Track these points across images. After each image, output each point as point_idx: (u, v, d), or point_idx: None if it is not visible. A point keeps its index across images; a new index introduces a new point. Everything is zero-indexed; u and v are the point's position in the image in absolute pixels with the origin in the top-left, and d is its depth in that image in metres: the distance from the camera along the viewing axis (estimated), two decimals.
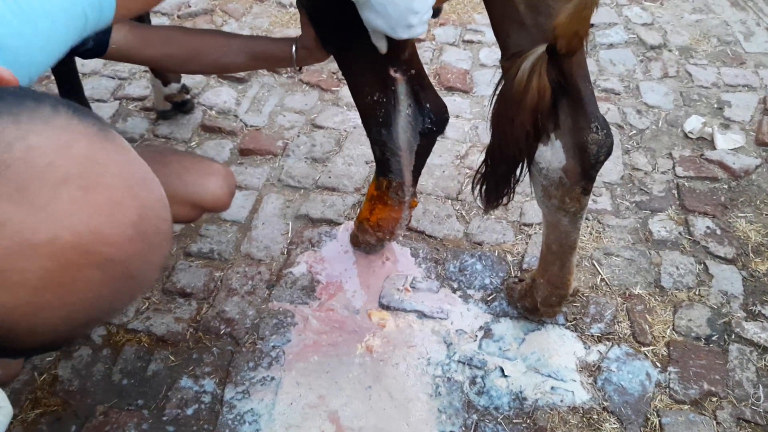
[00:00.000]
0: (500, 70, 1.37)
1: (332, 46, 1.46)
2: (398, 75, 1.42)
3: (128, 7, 0.97)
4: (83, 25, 0.89)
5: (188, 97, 2.43)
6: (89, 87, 2.55)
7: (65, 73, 2.10)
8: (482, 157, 1.49)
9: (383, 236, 1.83)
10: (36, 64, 0.82)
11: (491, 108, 1.38)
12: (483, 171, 1.49)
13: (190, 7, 3.03)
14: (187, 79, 2.46)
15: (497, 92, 1.35)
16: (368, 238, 1.86)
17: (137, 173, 0.55)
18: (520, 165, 1.43)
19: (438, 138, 2.32)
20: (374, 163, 2.19)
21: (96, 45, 1.36)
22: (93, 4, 0.88)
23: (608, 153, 1.37)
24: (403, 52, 1.41)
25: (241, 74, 2.60)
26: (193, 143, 2.34)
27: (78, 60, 2.16)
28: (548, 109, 1.30)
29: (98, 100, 2.51)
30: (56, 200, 0.48)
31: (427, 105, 1.54)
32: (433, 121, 1.56)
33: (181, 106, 2.42)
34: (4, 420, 1.02)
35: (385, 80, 1.43)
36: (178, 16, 2.97)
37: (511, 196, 1.51)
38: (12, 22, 0.76)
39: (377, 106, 1.47)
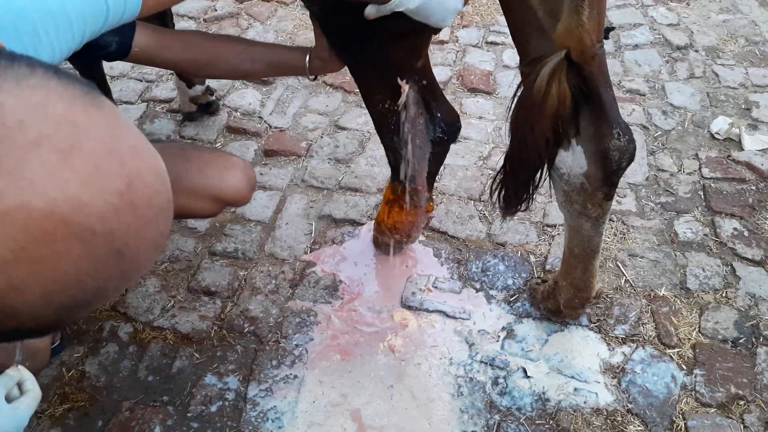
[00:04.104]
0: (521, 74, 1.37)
1: (345, 56, 1.47)
2: (408, 85, 1.42)
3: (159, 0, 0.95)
4: (104, 15, 0.87)
5: (213, 98, 2.46)
6: (117, 89, 2.60)
7: (93, 75, 2.14)
8: (502, 161, 1.49)
9: (400, 239, 1.84)
10: (45, 50, 0.80)
11: (510, 114, 1.37)
12: (502, 176, 1.49)
13: (216, 10, 3.07)
14: (212, 82, 2.49)
15: (516, 98, 1.35)
16: (387, 240, 1.87)
17: (126, 140, 0.49)
18: (540, 170, 1.43)
19: (461, 139, 2.32)
20: None
21: (119, 48, 1.40)
22: None
23: (630, 159, 1.36)
24: (417, 61, 1.42)
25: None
26: (219, 144, 2.36)
27: (106, 63, 2.20)
28: (569, 116, 1.29)
29: (126, 102, 2.55)
30: (26, 164, 0.42)
31: (439, 114, 1.54)
32: (444, 131, 1.57)
33: (206, 107, 2.45)
34: (33, 403, 1.04)
35: (396, 89, 1.44)
36: (204, 20, 3.01)
37: (531, 201, 1.50)
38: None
39: (389, 114, 1.48)
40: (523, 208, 1.52)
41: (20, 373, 1.06)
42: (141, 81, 2.67)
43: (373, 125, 2.21)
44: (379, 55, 1.35)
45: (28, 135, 0.43)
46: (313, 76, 1.60)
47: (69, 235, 0.44)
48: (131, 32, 1.40)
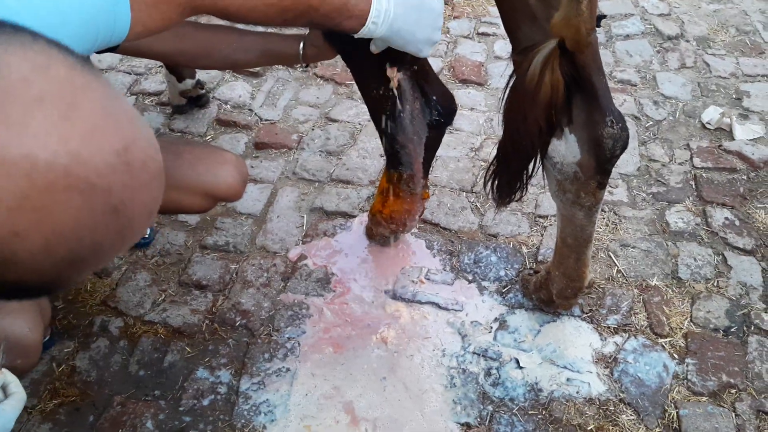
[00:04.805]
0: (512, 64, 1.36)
1: (338, 42, 1.46)
2: (399, 73, 1.41)
3: (145, 26, 0.94)
4: (94, 36, 0.86)
5: (203, 91, 2.44)
6: None
7: None
8: (495, 151, 1.49)
9: (396, 228, 1.83)
10: None
11: (503, 103, 1.37)
12: (495, 167, 1.48)
13: None
14: (202, 74, 2.47)
15: (509, 87, 1.34)
16: (382, 231, 1.86)
17: (121, 107, 0.52)
18: (533, 160, 1.42)
19: (452, 130, 2.31)
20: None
21: None
22: (108, 19, 0.85)
23: (624, 147, 1.35)
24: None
25: (256, 68, 2.61)
26: (209, 137, 2.35)
27: (94, 55, 2.17)
28: (562, 104, 1.29)
29: None
30: (30, 117, 0.45)
31: (434, 97, 1.53)
32: (440, 113, 1.56)
33: (196, 100, 2.43)
34: (18, 405, 1.03)
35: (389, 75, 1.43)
36: None
37: (524, 191, 1.50)
38: (13, 6, 0.74)
39: (384, 100, 1.47)
40: (516, 198, 1.52)
41: (4, 376, 1.05)
42: (130, 74, 2.65)
43: (364, 117, 2.20)
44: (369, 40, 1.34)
45: (32, 91, 0.46)
46: (306, 65, 1.58)
47: (69, 186, 0.46)
48: None
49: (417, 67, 1.46)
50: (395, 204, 1.75)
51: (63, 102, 0.47)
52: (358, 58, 1.45)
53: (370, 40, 1.31)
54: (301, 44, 1.52)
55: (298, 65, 1.63)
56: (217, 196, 1.53)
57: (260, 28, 1.55)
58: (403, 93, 1.46)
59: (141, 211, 0.52)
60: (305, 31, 1.57)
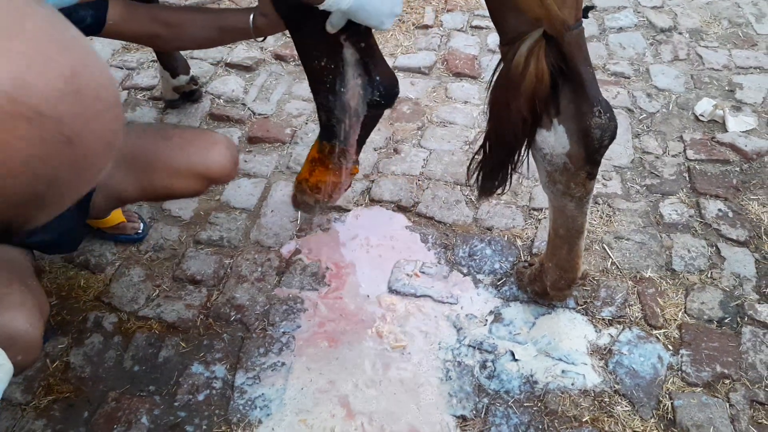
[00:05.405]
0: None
1: (283, 7, 1.43)
2: (347, 43, 1.39)
3: None
4: None
5: (196, 87, 2.43)
6: None
7: None
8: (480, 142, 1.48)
9: (320, 198, 1.78)
10: None
11: (489, 93, 1.37)
12: (480, 157, 1.48)
13: None
14: (195, 68, 2.46)
15: (495, 77, 1.34)
16: (306, 199, 1.80)
17: (68, 32, 0.50)
18: (517, 152, 1.42)
19: (446, 123, 2.31)
20: (380, 149, 2.19)
21: (94, 21, 1.38)
22: None
23: (612, 137, 1.35)
24: (357, 24, 1.39)
25: (249, 63, 2.60)
26: None
27: None
28: (547, 94, 1.28)
29: None
30: None
31: (377, 77, 1.51)
32: (382, 94, 1.54)
33: (189, 95, 2.42)
34: (5, 377, 1.02)
35: (335, 46, 1.40)
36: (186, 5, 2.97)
37: (508, 184, 1.49)
38: None
39: (325, 72, 1.45)
40: (499, 192, 1.51)
41: None
42: (122, 68, 2.64)
43: None
44: (316, 7, 1.31)
45: None
46: (261, 38, 1.57)
47: (16, 113, 0.44)
48: (105, 5, 1.39)
49: (364, 45, 1.44)
50: (323, 174, 1.71)
51: (3, 25, 0.45)
52: (305, 26, 1.42)
53: (320, 10, 1.29)
54: (251, 16, 1.50)
55: (252, 39, 1.61)
56: (209, 177, 1.53)
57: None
58: (346, 69, 1.43)
59: (97, 144, 0.50)
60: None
